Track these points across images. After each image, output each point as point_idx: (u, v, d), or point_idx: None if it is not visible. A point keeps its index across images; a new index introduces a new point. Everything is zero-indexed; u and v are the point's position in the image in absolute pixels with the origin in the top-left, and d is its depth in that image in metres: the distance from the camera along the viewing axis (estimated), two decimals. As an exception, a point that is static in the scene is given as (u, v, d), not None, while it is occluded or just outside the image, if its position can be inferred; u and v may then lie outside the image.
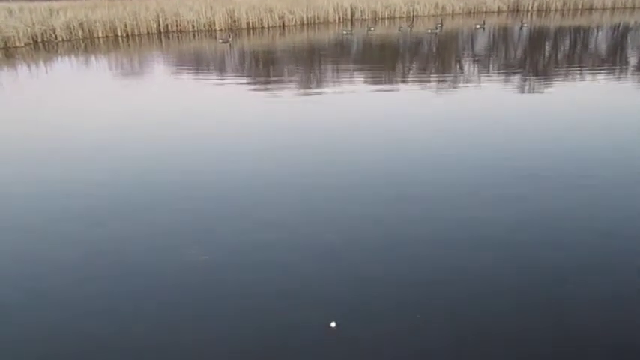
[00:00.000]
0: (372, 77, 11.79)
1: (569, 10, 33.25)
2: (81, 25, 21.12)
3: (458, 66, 13.17)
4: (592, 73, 11.51)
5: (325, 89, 10.37)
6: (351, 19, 28.79)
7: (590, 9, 33.32)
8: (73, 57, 16.50)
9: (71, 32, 20.82)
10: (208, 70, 13.54)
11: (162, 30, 23.29)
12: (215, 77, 12.17)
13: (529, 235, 4.13)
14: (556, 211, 4.53)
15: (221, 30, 23.79)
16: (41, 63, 15.11)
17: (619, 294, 3.35)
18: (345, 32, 22.14)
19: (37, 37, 19.72)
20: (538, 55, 14.85)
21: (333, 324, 3.09)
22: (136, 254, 3.99)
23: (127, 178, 5.60)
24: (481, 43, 18.19)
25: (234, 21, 24.71)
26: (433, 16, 30.82)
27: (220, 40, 19.22)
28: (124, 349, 2.96)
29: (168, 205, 4.85)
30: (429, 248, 3.96)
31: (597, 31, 21.21)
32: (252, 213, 4.64)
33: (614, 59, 13.84)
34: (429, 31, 21.58)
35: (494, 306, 3.26)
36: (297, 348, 2.94)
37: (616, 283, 3.46)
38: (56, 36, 20.35)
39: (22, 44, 18.85)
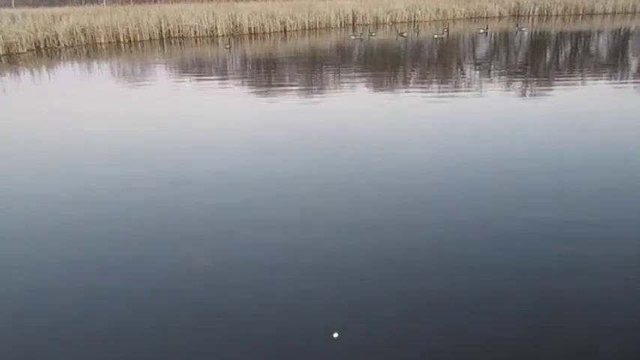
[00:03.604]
0: (386, 82, 11.80)
1: (570, 14, 33.30)
2: (83, 31, 21.16)
3: (471, 70, 13.18)
4: (596, 79, 11.52)
5: (338, 95, 10.37)
6: (353, 25, 28.85)
7: (591, 14, 33.37)
8: (75, 63, 16.55)
9: (74, 38, 20.87)
10: (211, 75, 13.57)
11: (164, 36, 23.33)
12: (218, 82, 12.18)
13: (534, 240, 4.11)
14: (560, 215, 4.52)
15: (223, 35, 23.84)
16: (44, 69, 15.15)
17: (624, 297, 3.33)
18: (353, 36, 22.03)
19: (39, 43, 19.75)
20: (543, 60, 14.87)
21: (335, 335, 3.06)
22: (136, 256, 3.98)
23: (130, 181, 5.60)
24: (487, 47, 18.25)
25: (236, 26, 24.77)
26: (434, 21, 30.88)
27: (227, 46, 19.28)
28: (123, 350, 2.95)
29: (170, 208, 4.85)
30: (430, 253, 3.94)
31: (598, 36, 21.24)
32: (254, 216, 4.63)
33: (615, 64, 13.85)
34: (435, 36, 21.60)
35: (498, 312, 3.24)
36: (297, 353, 2.92)
37: (621, 285, 3.45)
38: (59, 42, 20.40)
39: (25, 50, 18.89)
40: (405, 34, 22.31)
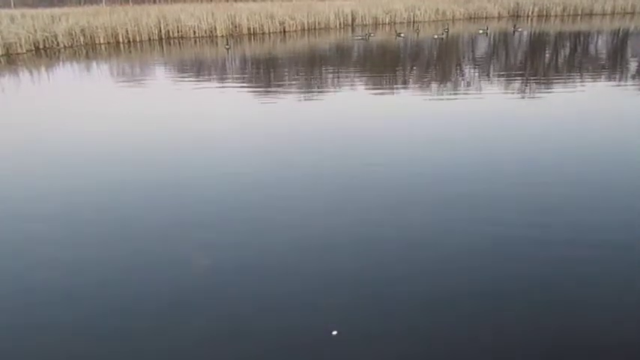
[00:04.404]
0: (386, 83, 11.80)
1: (569, 15, 33.34)
2: (82, 31, 21.14)
3: (472, 71, 13.19)
4: (594, 79, 11.53)
5: (338, 95, 10.37)
6: (352, 25, 28.85)
7: (590, 14, 33.41)
8: (74, 63, 16.54)
9: (73, 38, 20.85)
10: (210, 75, 13.56)
11: (163, 36, 23.31)
12: (217, 82, 12.18)
13: (532, 240, 4.11)
14: (559, 215, 4.52)
15: (222, 36, 23.84)
16: (43, 69, 15.14)
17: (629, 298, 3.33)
18: (358, 37, 21.97)
19: (38, 43, 19.72)
20: (542, 61, 14.88)
21: (334, 332, 3.07)
22: (136, 255, 3.97)
23: (128, 181, 5.59)
24: (488, 48, 18.30)
25: (236, 27, 24.76)
26: (434, 21, 30.90)
27: (227, 46, 19.31)
28: (123, 350, 2.94)
29: (170, 208, 4.84)
30: (430, 253, 3.94)
31: (597, 37, 21.27)
32: (254, 215, 4.62)
33: (614, 65, 13.86)
34: (436, 36, 21.65)
35: (498, 312, 3.24)
36: (298, 353, 2.92)
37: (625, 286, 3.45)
38: (58, 42, 20.37)
39: (24, 50, 18.87)
40: (402, 35, 22.32)
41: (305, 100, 9.96)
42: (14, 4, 35.79)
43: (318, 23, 27.36)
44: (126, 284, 3.67)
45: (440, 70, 13.56)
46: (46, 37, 20.11)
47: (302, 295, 3.49)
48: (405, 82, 11.70)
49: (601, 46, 18.45)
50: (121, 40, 21.92)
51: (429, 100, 9.61)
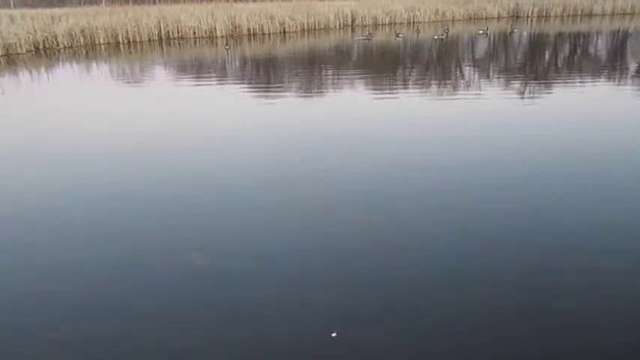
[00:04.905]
0: (386, 83, 11.81)
1: (568, 15, 33.36)
2: (82, 31, 21.14)
3: (474, 72, 13.19)
4: (594, 79, 11.54)
5: (338, 96, 10.38)
6: (352, 26, 28.86)
7: (590, 15, 33.43)
8: (74, 63, 16.54)
9: (73, 39, 20.84)
10: (210, 75, 13.56)
11: (163, 36, 23.31)
12: (217, 83, 12.18)
13: (532, 240, 4.11)
14: (562, 215, 4.52)
15: (222, 36, 23.83)
16: (43, 69, 15.14)
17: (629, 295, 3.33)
18: (361, 37, 21.95)
19: (38, 43, 19.72)
20: (543, 61, 14.89)
21: (334, 334, 3.06)
22: (135, 255, 3.97)
23: (129, 182, 5.59)
24: (486, 48, 18.30)
25: (236, 27, 24.76)
26: (434, 22, 30.91)
27: (227, 47, 19.32)
28: (123, 350, 2.94)
29: (169, 207, 4.84)
30: (429, 254, 3.94)
31: (597, 37, 21.29)
32: (254, 215, 4.62)
33: (613, 65, 13.87)
34: (435, 37, 21.66)
35: (499, 312, 3.24)
36: (298, 353, 2.92)
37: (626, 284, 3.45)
38: (58, 43, 20.37)
39: (24, 51, 18.87)
40: (401, 35, 22.33)
41: (305, 100, 9.96)
42: (14, 5, 35.80)
43: (318, 24, 27.37)
44: (125, 284, 3.67)
45: (440, 70, 13.56)
46: (46, 37, 20.11)
47: (303, 295, 3.48)
48: (405, 83, 11.70)
49: (600, 46, 18.47)
50: (120, 40, 21.92)
51: (429, 100, 9.61)
